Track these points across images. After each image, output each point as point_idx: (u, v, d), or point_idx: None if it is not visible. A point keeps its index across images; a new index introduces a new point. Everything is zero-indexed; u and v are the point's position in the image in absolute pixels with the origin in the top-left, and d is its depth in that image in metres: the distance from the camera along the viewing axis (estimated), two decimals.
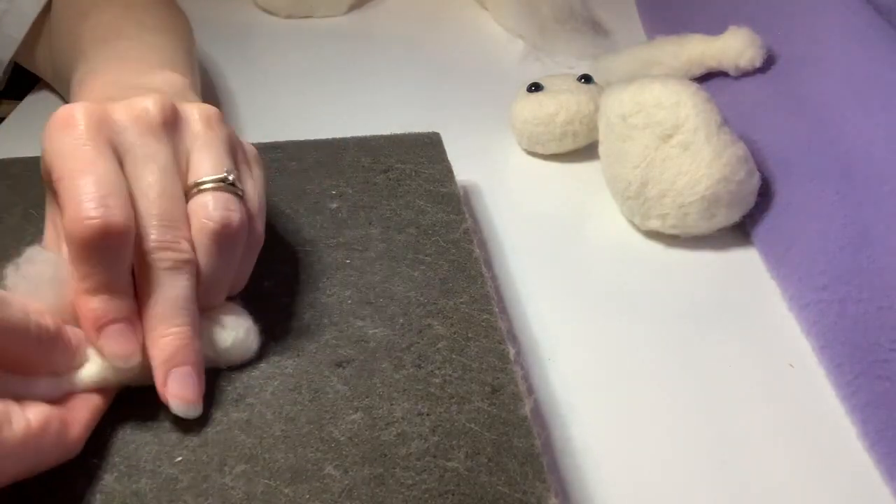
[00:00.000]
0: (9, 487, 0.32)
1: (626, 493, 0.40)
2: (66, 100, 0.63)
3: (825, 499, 0.40)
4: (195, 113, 0.41)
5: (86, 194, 0.35)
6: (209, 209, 0.38)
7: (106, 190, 0.35)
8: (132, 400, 0.37)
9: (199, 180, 0.39)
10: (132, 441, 0.36)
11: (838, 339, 0.46)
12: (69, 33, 0.58)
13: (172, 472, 0.35)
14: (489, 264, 0.53)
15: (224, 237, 0.38)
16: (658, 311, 0.51)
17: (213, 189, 0.38)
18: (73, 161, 0.36)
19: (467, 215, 0.50)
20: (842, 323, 0.46)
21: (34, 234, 0.46)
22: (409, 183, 0.52)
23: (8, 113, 0.67)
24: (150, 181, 0.37)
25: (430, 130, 0.57)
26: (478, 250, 0.48)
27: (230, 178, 0.39)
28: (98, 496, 0.34)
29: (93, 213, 0.34)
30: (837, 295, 0.47)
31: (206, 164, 0.39)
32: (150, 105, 0.39)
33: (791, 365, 0.47)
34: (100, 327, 0.36)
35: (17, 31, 0.63)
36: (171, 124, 0.39)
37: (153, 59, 0.51)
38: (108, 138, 0.37)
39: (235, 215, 0.38)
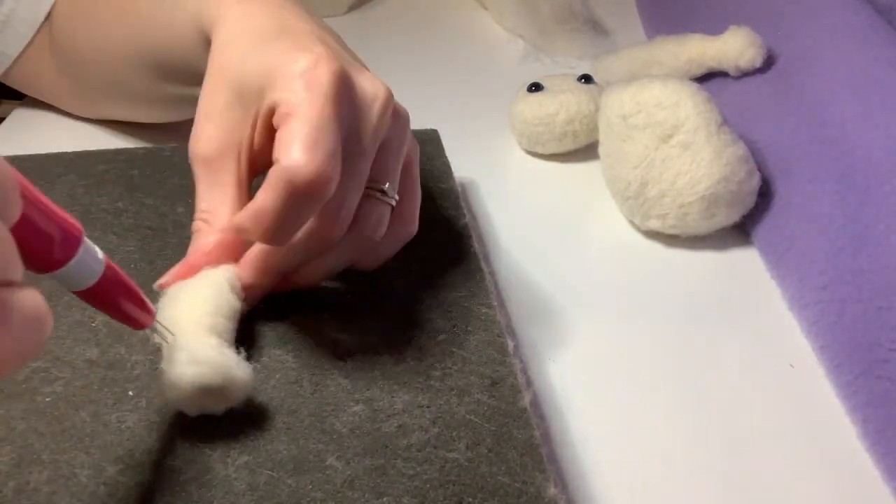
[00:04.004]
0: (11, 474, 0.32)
1: (624, 485, 0.40)
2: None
3: (825, 499, 0.40)
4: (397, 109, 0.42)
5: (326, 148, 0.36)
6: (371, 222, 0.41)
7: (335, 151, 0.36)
8: (136, 395, 0.38)
9: (380, 187, 0.41)
10: (136, 434, 0.36)
11: (838, 339, 0.46)
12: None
13: (176, 464, 0.35)
14: (488, 260, 0.53)
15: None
16: (657, 310, 0.51)
17: (381, 201, 0.41)
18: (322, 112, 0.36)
19: (466, 211, 0.50)
20: (842, 323, 0.46)
21: None
22: None
23: (8, 113, 0.67)
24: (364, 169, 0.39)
25: (429, 128, 0.57)
26: (476, 245, 0.48)
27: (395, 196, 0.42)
28: (102, 488, 0.34)
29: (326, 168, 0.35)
30: (837, 295, 0.47)
31: (390, 171, 0.42)
32: (385, 93, 0.41)
33: (791, 365, 0.47)
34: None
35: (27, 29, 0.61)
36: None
37: None
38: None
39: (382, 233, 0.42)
